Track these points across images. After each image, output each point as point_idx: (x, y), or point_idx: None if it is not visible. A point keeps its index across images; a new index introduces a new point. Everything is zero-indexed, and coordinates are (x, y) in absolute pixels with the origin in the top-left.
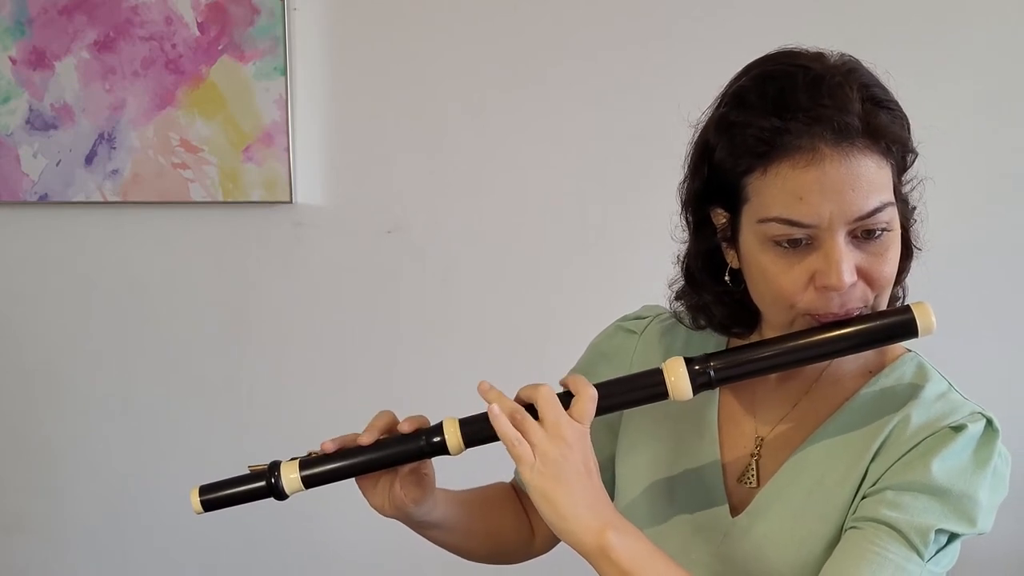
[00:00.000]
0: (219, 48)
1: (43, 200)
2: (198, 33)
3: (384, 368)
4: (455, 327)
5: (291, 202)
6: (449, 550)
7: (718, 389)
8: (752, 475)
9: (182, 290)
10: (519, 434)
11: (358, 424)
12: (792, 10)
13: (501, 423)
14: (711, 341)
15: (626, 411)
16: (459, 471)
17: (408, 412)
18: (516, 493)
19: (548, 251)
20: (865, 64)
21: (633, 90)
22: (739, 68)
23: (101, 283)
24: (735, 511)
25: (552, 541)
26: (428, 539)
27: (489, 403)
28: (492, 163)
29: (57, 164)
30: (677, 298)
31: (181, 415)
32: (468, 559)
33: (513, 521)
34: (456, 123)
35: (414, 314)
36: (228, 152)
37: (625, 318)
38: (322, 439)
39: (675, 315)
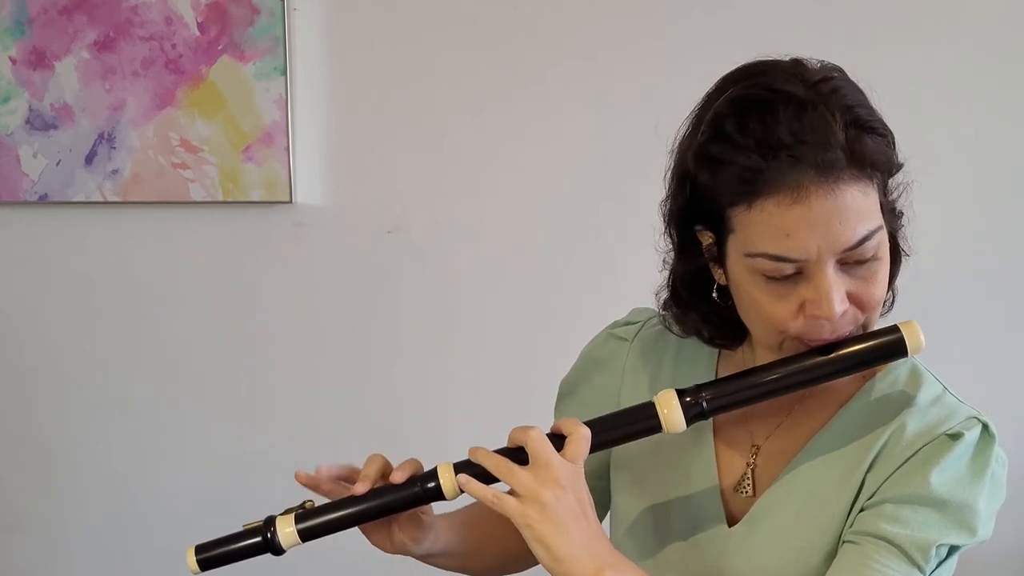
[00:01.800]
0: (219, 48)
1: (43, 200)
2: (198, 33)
3: (384, 368)
4: (455, 327)
5: (291, 202)
6: (454, 572)
7: None
8: (748, 485)
9: (182, 290)
10: (495, 493)
11: (358, 423)
12: (791, 10)
13: (474, 488)
14: (703, 349)
15: None
16: None
17: (408, 412)
18: None
19: (548, 251)
20: (850, 76)
21: (633, 90)
22: (738, 67)
23: (101, 283)
24: (731, 521)
25: None
26: (433, 566)
27: (476, 461)
28: (492, 163)
29: (57, 164)
30: (664, 308)
31: (181, 415)
32: None
33: (516, 534)
34: (456, 123)
35: (414, 314)
36: (228, 152)
37: (615, 324)
38: (322, 439)
39: (664, 322)
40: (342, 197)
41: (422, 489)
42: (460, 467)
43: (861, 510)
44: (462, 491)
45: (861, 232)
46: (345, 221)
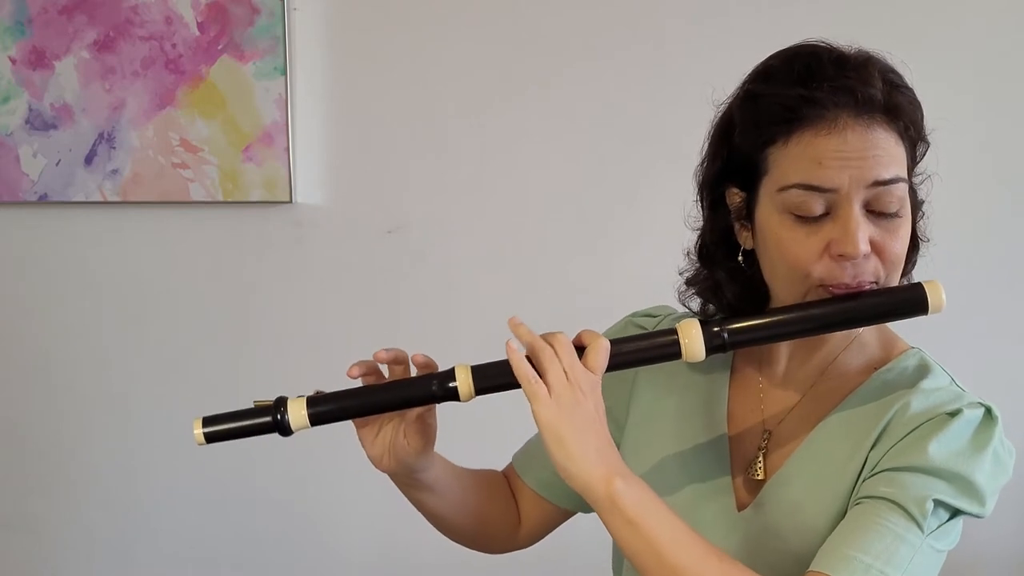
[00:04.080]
0: (219, 48)
1: (43, 200)
2: (198, 33)
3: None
4: (455, 327)
5: (291, 202)
6: (435, 521)
7: (727, 385)
8: (759, 467)
9: (182, 290)
10: (535, 372)
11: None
12: (789, 12)
13: (517, 359)
14: None
15: (633, 408)
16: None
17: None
18: (507, 481)
19: (548, 251)
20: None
21: (636, 92)
22: (739, 71)
23: (101, 283)
24: (741, 504)
25: (536, 534)
26: (416, 504)
27: (517, 336)
28: (492, 163)
29: (57, 164)
30: (688, 284)
31: (180, 415)
32: (452, 536)
33: (502, 506)
34: (456, 123)
35: (414, 314)
36: (228, 152)
37: (636, 314)
38: (321, 438)
39: (684, 305)
40: (342, 197)
41: (439, 386)
42: (477, 370)
43: (863, 482)
44: (477, 393)
45: (891, 172)
46: (345, 221)
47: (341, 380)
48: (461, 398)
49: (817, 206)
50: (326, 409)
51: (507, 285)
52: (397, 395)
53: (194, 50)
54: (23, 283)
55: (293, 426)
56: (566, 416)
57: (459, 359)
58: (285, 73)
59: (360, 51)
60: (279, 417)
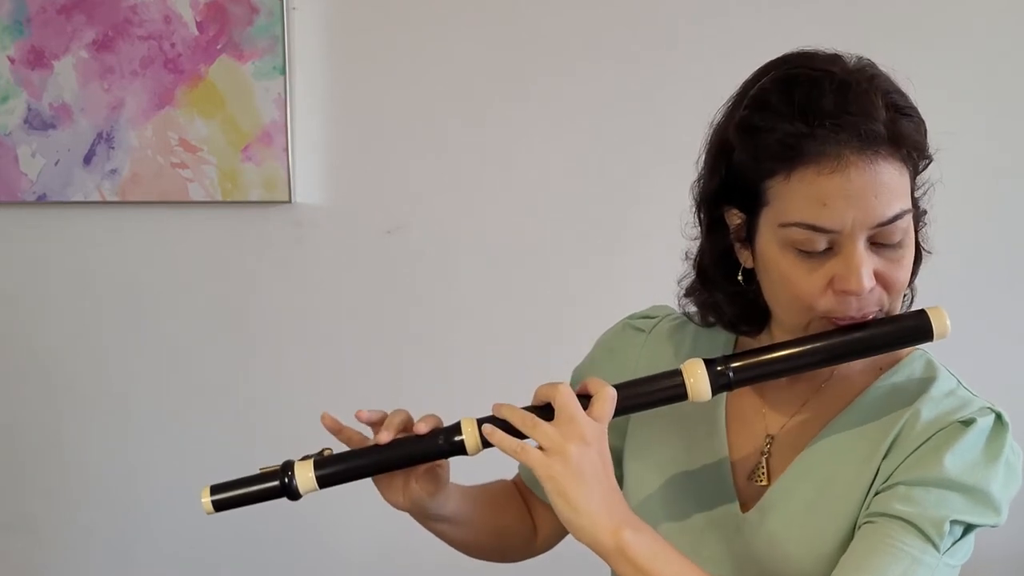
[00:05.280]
0: (218, 47)
1: (41, 200)
2: (197, 32)
3: (384, 369)
4: (455, 328)
5: (290, 202)
6: (454, 545)
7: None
8: (762, 472)
9: (181, 290)
10: (520, 443)
11: (357, 423)
12: (789, 12)
13: (499, 438)
14: (719, 339)
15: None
16: (464, 467)
17: (410, 413)
18: (519, 490)
19: (549, 251)
20: (883, 69)
21: (636, 92)
22: (738, 71)
23: (100, 283)
24: (745, 508)
25: (553, 540)
26: (434, 533)
27: (502, 416)
28: (492, 163)
29: (56, 164)
30: (687, 294)
31: (180, 415)
32: (471, 555)
33: (517, 518)
34: (456, 122)
35: (414, 314)
36: (227, 152)
37: (633, 316)
38: (322, 440)
39: (684, 312)
40: (341, 197)
41: (445, 441)
42: (484, 422)
43: (876, 494)
44: (484, 446)
45: (895, 209)
46: (345, 221)
47: (339, 381)
48: (468, 452)
49: (820, 243)
50: (334, 471)
51: (507, 285)
52: (404, 453)
53: (193, 50)
54: (22, 283)
55: (301, 489)
56: (568, 473)
57: (458, 359)
58: (284, 73)
59: (360, 51)
60: (287, 481)
